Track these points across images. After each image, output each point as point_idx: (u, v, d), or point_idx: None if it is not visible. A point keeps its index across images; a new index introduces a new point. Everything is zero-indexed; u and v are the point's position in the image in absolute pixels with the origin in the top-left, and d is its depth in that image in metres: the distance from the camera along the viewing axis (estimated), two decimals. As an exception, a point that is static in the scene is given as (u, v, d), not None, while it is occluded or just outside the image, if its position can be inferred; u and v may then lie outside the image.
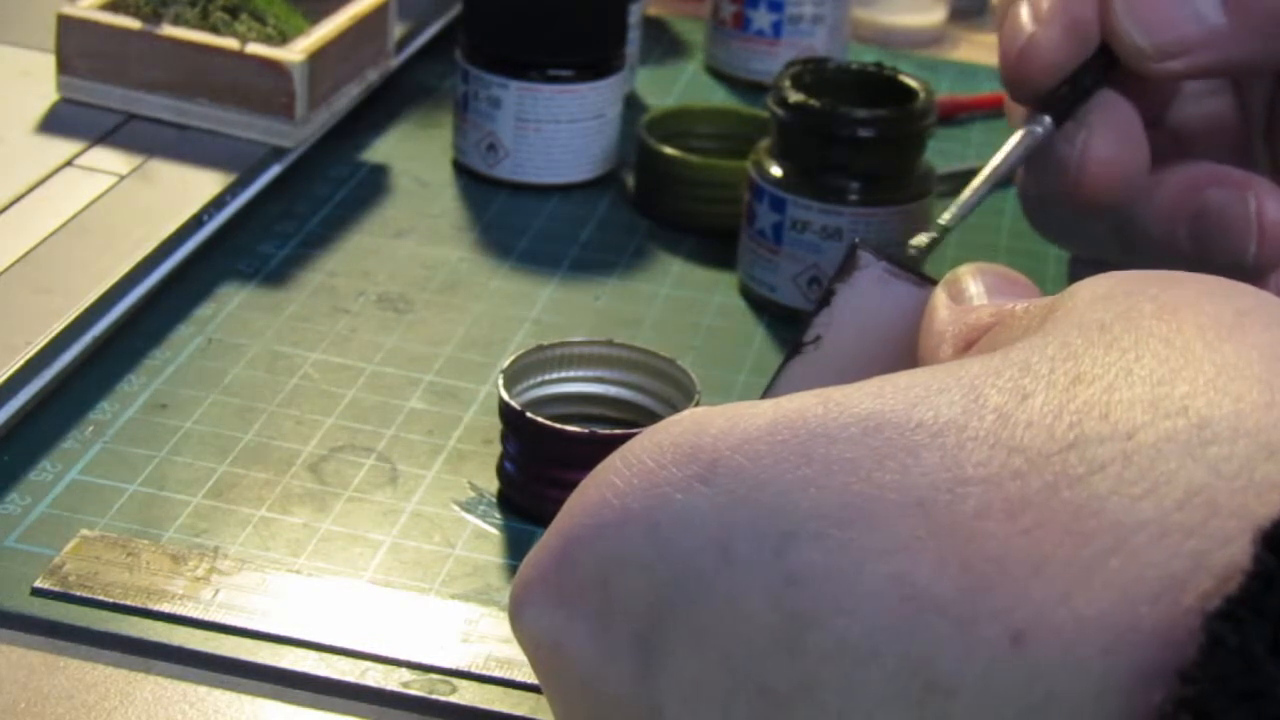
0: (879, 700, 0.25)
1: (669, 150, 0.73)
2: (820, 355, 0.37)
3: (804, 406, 0.27)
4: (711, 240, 0.72)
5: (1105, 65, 0.48)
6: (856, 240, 0.37)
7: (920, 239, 0.46)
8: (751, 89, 0.87)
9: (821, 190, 0.65)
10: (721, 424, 0.28)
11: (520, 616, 0.30)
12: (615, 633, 0.28)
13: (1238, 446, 0.24)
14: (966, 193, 0.48)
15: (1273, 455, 0.24)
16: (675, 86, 0.88)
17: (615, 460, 0.29)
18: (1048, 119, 0.48)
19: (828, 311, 0.36)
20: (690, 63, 0.91)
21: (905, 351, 0.35)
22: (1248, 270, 0.47)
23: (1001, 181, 0.49)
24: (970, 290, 0.34)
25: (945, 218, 0.47)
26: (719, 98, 0.87)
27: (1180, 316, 0.27)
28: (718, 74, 0.89)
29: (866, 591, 0.25)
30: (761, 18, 0.86)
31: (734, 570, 0.26)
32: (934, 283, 0.36)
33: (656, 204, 0.74)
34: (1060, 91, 0.48)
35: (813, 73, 0.67)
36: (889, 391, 0.27)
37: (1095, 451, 0.25)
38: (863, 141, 0.64)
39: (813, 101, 0.65)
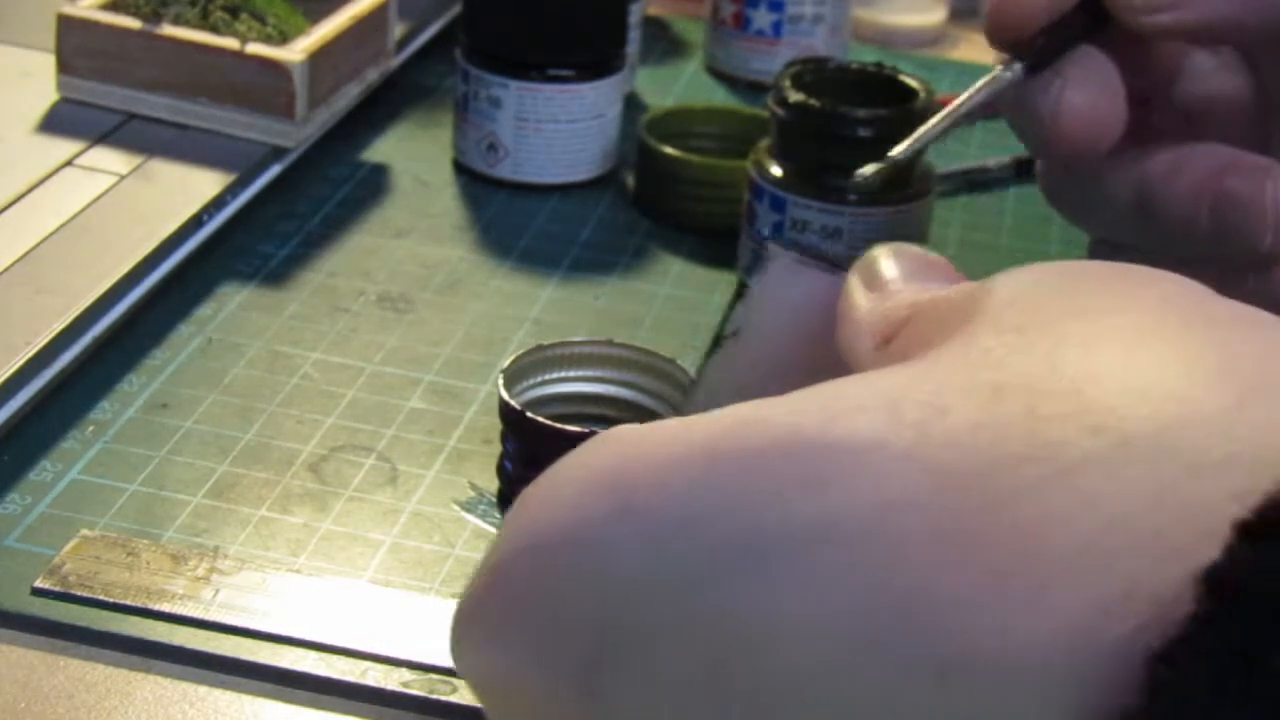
0: None
1: (669, 150, 0.73)
2: (741, 348, 0.36)
3: (724, 430, 0.26)
4: (711, 240, 0.72)
5: (1092, 22, 0.48)
6: (768, 237, 0.36)
7: (868, 169, 0.46)
8: (751, 89, 0.87)
9: (821, 190, 0.65)
10: (643, 450, 0.27)
11: (459, 651, 0.29)
12: (556, 667, 0.27)
13: (1159, 466, 0.23)
14: (924, 128, 0.48)
15: (1193, 474, 0.23)
16: (675, 86, 0.88)
17: (541, 490, 0.28)
18: (1018, 66, 0.48)
19: (744, 306, 0.36)
20: (690, 63, 0.91)
21: (825, 341, 0.35)
22: (1263, 258, 0.47)
23: (960, 122, 0.49)
24: (885, 274, 0.33)
25: (897, 150, 0.47)
26: (719, 98, 0.87)
27: (1099, 319, 0.27)
28: (718, 74, 0.89)
29: (790, 627, 0.24)
30: (761, 18, 0.86)
31: (660, 606, 0.25)
32: (847, 270, 0.35)
33: (656, 204, 0.74)
34: (1039, 41, 0.48)
35: (813, 73, 0.67)
36: (808, 408, 0.26)
37: (1018, 473, 0.24)
38: (863, 141, 0.64)
39: (813, 101, 0.65)
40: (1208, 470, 0.23)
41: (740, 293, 0.36)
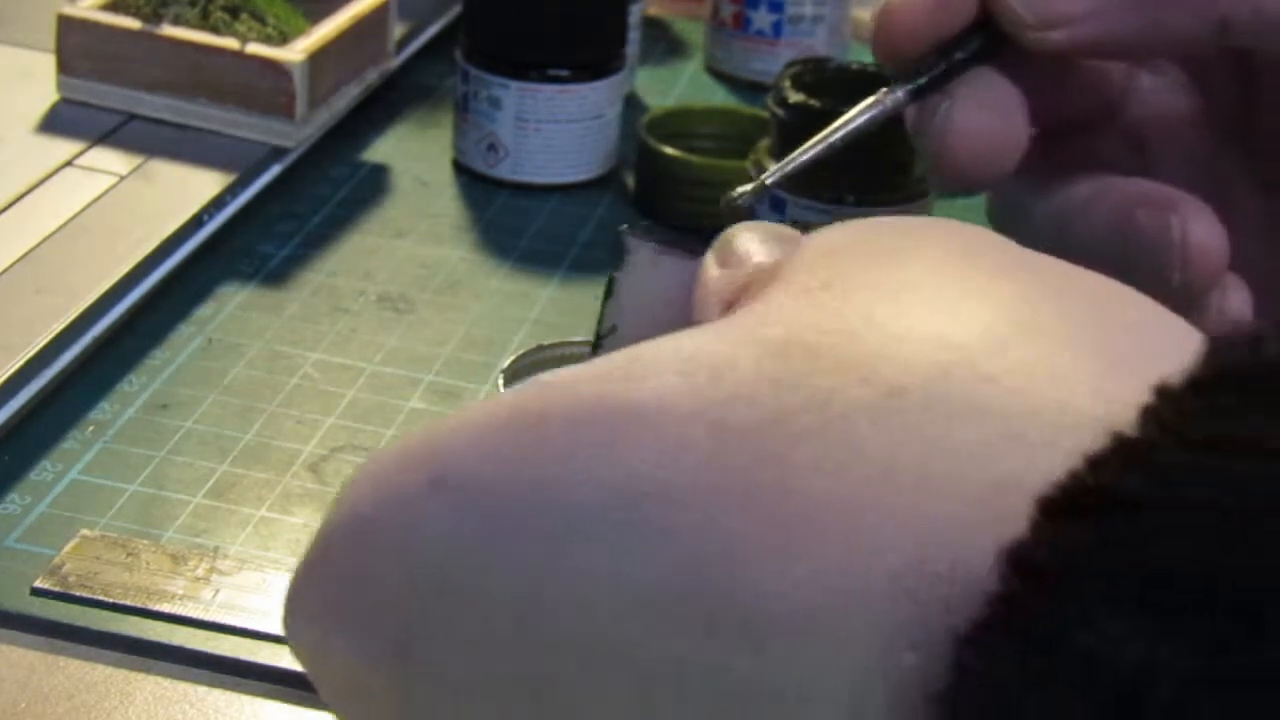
0: (605, 696, 0.25)
1: (669, 150, 0.73)
2: (617, 344, 0.36)
3: (529, 399, 0.27)
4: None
5: (987, 43, 0.47)
6: (624, 228, 0.36)
7: (738, 190, 0.46)
8: (751, 89, 0.87)
9: (821, 190, 0.65)
10: (454, 425, 0.28)
11: (288, 627, 0.29)
12: (374, 641, 0.27)
13: (926, 414, 0.24)
14: (797, 152, 0.47)
15: (963, 422, 0.23)
16: (675, 86, 0.88)
17: (365, 468, 0.29)
18: (902, 89, 0.47)
19: (614, 301, 0.36)
20: (690, 63, 0.91)
21: (693, 325, 0.35)
22: (1175, 293, 0.46)
23: (838, 147, 0.47)
24: (739, 249, 0.33)
25: (767, 175, 0.46)
26: (719, 98, 0.87)
27: (893, 270, 0.27)
28: (718, 74, 0.89)
29: (584, 587, 0.25)
30: (761, 18, 0.87)
31: (469, 573, 0.26)
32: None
33: (656, 204, 0.74)
34: (925, 63, 0.47)
35: (813, 73, 0.67)
36: (611, 373, 0.27)
37: (794, 424, 0.24)
38: (863, 141, 0.64)
39: (813, 101, 0.65)
40: (978, 418, 0.24)
41: (609, 289, 0.36)
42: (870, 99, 0.47)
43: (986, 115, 0.46)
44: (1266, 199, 0.49)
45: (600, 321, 0.37)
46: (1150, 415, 0.22)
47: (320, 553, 0.29)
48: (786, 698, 0.23)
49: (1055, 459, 0.23)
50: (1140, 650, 0.20)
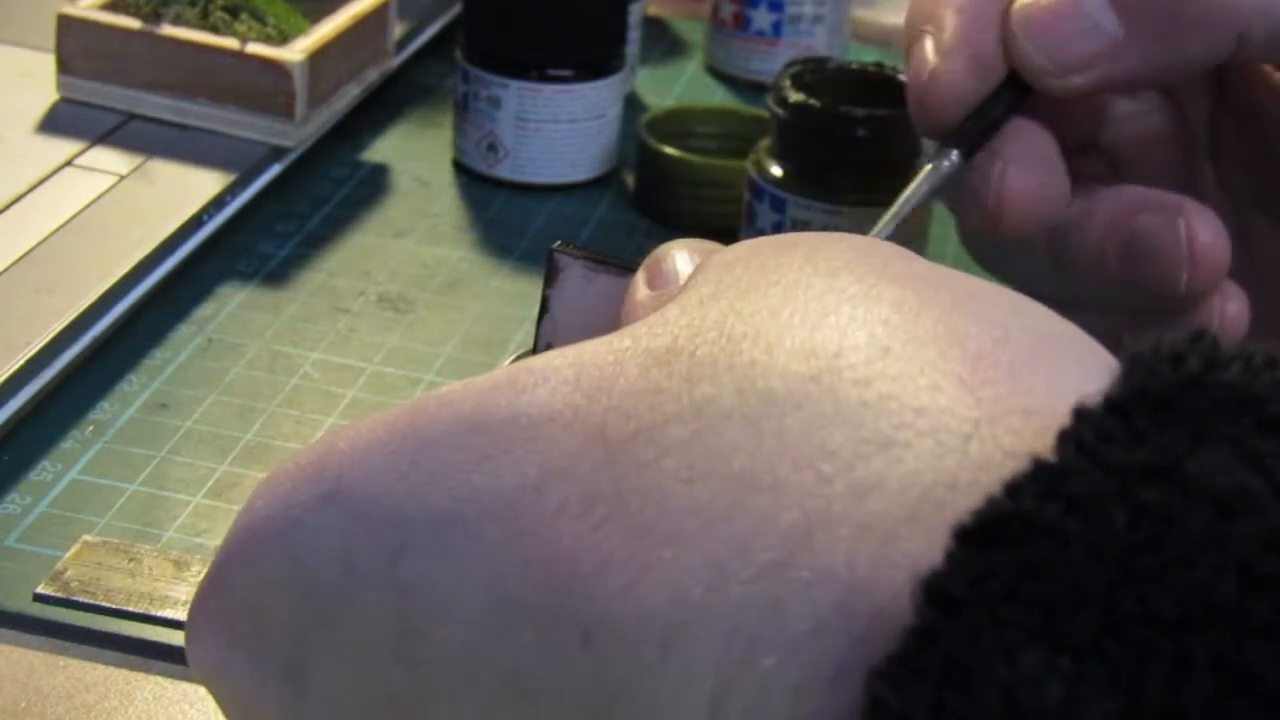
0: (479, 709, 0.25)
1: (669, 150, 0.73)
2: None
3: (420, 410, 0.27)
4: (711, 240, 0.71)
5: (1017, 94, 0.47)
6: (555, 245, 0.36)
7: None
8: (751, 89, 0.87)
9: (821, 190, 0.65)
10: (350, 437, 0.28)
11: (188, 645, 0.29)
12: (266, 658, 0.27)
13: (795, 418, 0.24)
14: (872, 232, 0.47)
15: (832, 425, 0.23)
16: (675, 86, 0.88)
17: (262, 485, 0.29)
18: (954, 154, 0.47)
19: (549, 319, 0.36)
20: (690, 63, 0.91)
21: None
22: (1181, 296, 0.46)
23: (906, 219, 0.48)
24: (667, 269, 0.33)
25: None
26: (719, 98, 0.87)
27: (785, 286, 0.27)
28: (718, 74, 0.89)
29: (464, 599, 0.25)
30: (761, 18, 0.86)
31: (356, 585, 0.26)
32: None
33: (656, 204, 0.74)
34: (967, 124, 0.47)
35: (813, 73, 0.67)
36: (500, 385, 0.27)
37: (664, 433, 0.24)
38: (863, 141, 0.64)
39: (813, 101, 0.65)
40: (846, 421, 0.24)
41: (544, 307, 0.36)
42: (926, 169, 0.47)
43: (1038, 170, 0.46)
44: (1237, 211, 0.49)
45: (536, 339, 0.37)
46: (1068, 439, 0.22)
47: (218, 568, 0.28)
48: (635, 704, 0.23)
49: (921, 461, 0.23)
50: (1059, 691, 0.20)
